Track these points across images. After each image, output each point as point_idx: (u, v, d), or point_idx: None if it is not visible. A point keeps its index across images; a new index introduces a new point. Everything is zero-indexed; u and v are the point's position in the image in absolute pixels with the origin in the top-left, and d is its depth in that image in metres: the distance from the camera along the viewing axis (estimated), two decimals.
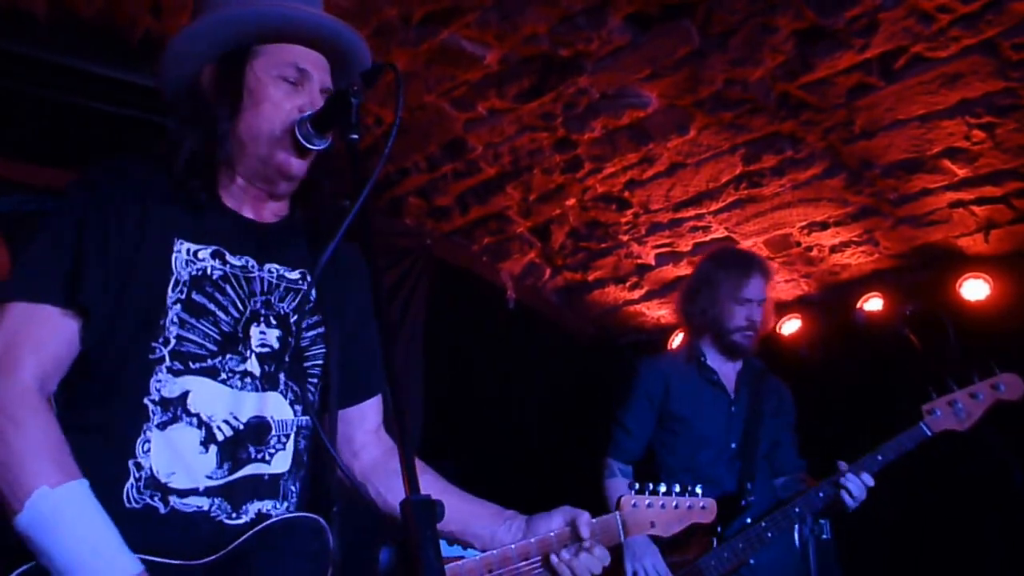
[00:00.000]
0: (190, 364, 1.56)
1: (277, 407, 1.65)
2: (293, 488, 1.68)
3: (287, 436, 1.66)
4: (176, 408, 1.54)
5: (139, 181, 1.63)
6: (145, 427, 1.52)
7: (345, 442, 1.88)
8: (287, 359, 1.67)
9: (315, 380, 1.74)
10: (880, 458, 3.00)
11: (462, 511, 1.81)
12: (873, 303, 4.54)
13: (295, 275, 1.73)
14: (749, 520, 3.10)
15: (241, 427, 1.59)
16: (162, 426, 1.53)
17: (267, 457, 1.62)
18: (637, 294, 5.33)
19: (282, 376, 1.66)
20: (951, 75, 3.46)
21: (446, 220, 4.85)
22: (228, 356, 1.60)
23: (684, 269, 4.96)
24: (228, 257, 1.65)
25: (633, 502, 1.96)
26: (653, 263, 5.04)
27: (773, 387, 3.45)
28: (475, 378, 4.95)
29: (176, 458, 1.53)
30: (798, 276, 4.87)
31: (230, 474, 1.57)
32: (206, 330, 1.58)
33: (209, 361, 1.58)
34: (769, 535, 3.03)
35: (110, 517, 1.43)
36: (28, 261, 1.55)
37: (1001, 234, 4.19)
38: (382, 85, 1.61)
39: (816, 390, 4.24)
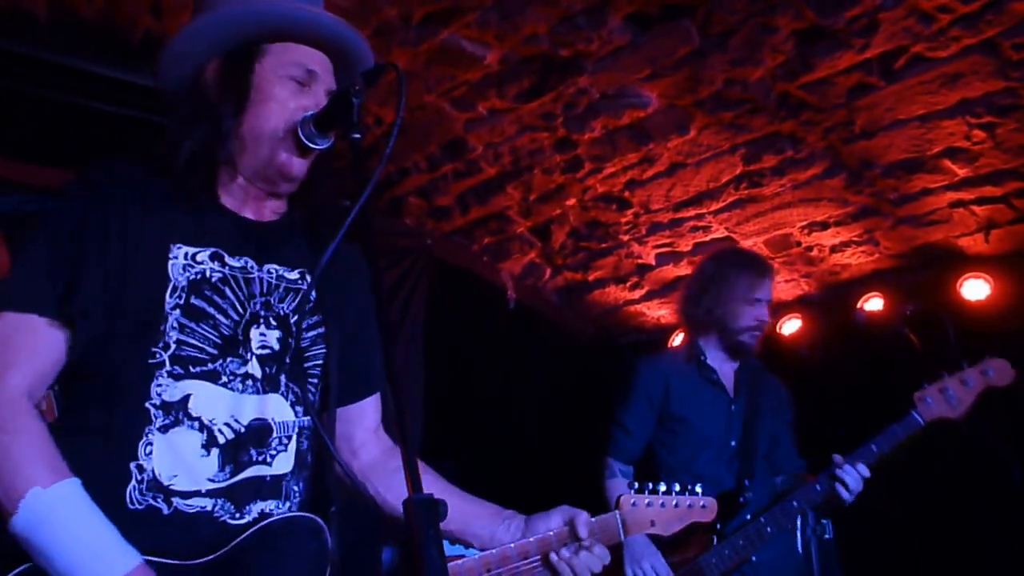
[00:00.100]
0: (190, 368, 1.56)
1: (278, 409, 1.64)
2: (296, 488, 1.67)
3: (288, 438, 1.66)
4: (177, 412, 1.54)
5: (133, 185, 1.62)
6: (147, 430, 1.52)
7: (344, 441, 1.88)
8: (287, 360, 1.66)
9: (315, 380, 1.73)
10: (875, 448, 2.99)
11: (461, 511, 1.81)
12: (873, 303, 4.54)
13: (294, 275, 1.73)
14: (748, 517, 3.09)
15: (242, 430, 1.59)
16: (163, 429, 1.53)
17: (268, 459, 1.62)
18: (637, 294, 5.33)
19: (283, 378, 1.66)
20: (951, 75, 3.46)
21: (446, 220, 4.85)
22: (229, 359, 1.59)
23: (684, 269, 4.96)
24: (227, 259, 1.65)
25: (633, 501, 1.96)
26: (653, 263, 5.04)
27: (771, 385, 3.45)
28: (475, 378, 4.95)
29: (178, 461, 1.53)
30: (798, 276, 4.87)
31: (232, 477, 1.57)
32: (206, 334, 1.58)
33: (210, 365, 1.58)
34: (768, 530, 3.02)
35: (113, 519, 1.44)
36: (17, 270, 1.55)
37: (1001, 234, 4.20)
38: (382, 85, 1.61)
39: (816, 390, 4.24)
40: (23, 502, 1.38)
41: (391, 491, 1.83)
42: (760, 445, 3.29)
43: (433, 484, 1.82)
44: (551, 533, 1.78)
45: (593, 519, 1.82)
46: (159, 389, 1.54)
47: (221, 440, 1.56)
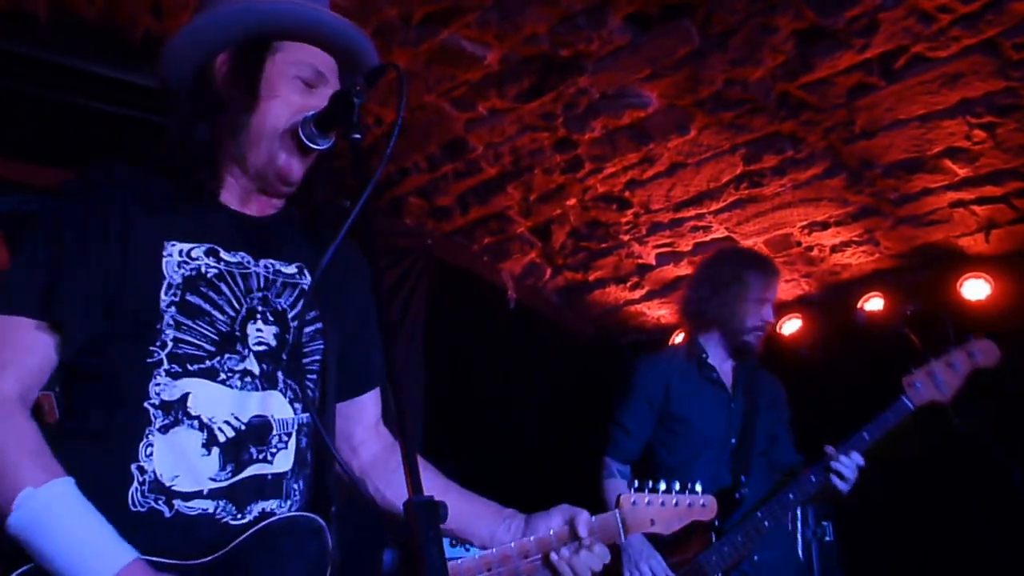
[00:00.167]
0: (188, 366, 1.55)
1: (277, 406, 1.64)
2: (297, 487, 1.67)
3: (288, 435, 1.65)
4: (177, 411, 1.54)
5: (132, 185, 1.61)
6: (147, 431, 1.52)
7: (344, 438, 1.87)
8: (285, 356, 1.65)
9: (314, 376, 1.72)
10: (866, 436, 2.99)
11: (461, 509, 1.80)
12: (873, 303, 4.54)
13: (292, 269, 1.72)
14: (745, 512, 3.09)
15: (242, 427, 1.58)
16: (164, 430, 1.52)
17: (269, 457, 1.61)
18: (638, 294, 5.33)
19: (280, 374, 1.65)
20: (951, 75, 3.46)
21: (446, 220, 4.85)
22: (226, 356, 1.59)
23: (685, 269, 4.96)
24: (223, 254, 1.64)
25: (633, 500, 1.94)
26: (654, 263, 5.04)
27: (768, 383, 3.45)
28: (475, 378, 4.95)
29: (179, 461, 1.52)
30: (798, 276, 4.87)
31: (234, 476, 1.56)
32: (203, 331, 1.57)
33: (207, 362, 1.57)
34: (766, 524, 3.02)
35: (115, 521, 1.43)
36: (12, 271, 1.56)
37: (1002, 234, 4.19)
38: (383, 85, 1.61)
39: (816, 390, 4.24)
40: (16, 502, 1.38)
41: (391, 489, 1.83)
42: (758, 442, 3.28)
43: (433, 482, 1.82)
44: (551, 532, 1.78)
45: (593, 518, 1.81)
46: (158, 388, 1.53)
47: (221, 439, 1.56)
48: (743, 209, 4.48)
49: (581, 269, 5.21)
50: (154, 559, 1.45)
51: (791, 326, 4.88)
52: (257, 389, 1.61)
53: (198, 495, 1.52)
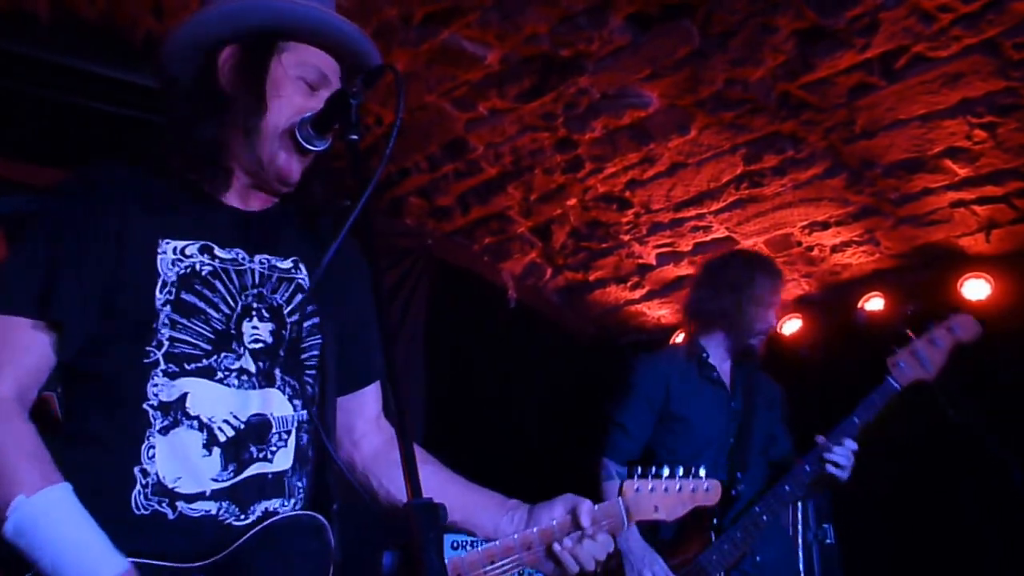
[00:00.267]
0: (185, 365, 1.55)
1: (276, 403, 1.63)
2: (299, 484, 1.66)
3: (288, 432, 1.64)
4: (176, 412, 1.53)
5: (125, 185, 1.60)
6: (148, 433, 1.51)
7: (345, 432, 1.86)
8: (282, 353, 1.64)
9: (312, 372, 1.71)
10: (856, 420, 3.01)
11: (465, 500, 1.80)
12: (874, 303, 4.54)
13: (287, 264, 1.71)
14: (743, 508, 3.09)
15: (242, 426, 1.57)
16: (164, 431, 1.52)
17: (269, 456, 1.61)
18: (638, 294, 5.33)
19: (278, 371, 1.64)
20: (952, 75, 3.46)
21: (447, 220, 4.85)
22: (223, 354, 1.58)
23: (685, 269, 4.96)
24: (217, 251, 1.63)
25: (636, 487, 1.92)
26: (654, 263, 5.04)
27: (764, 382, 3.45)
28: (476, 378, 4.95)
29: (181, 463, 1.52)
30: (799, 276, 4.87)
31: (235, 475, 1.56)
32: (198, 329, 1.56)
33: (204, 361, 1.56)
34: (764, 518, 3.02)
35: (118, 524, 1.43)
36: (6, 272, 1.55)
37: (1002, 234, 4.19)
38: (383, 85, 1.60)
39: (816, 390, 4.24)
40: (9, 510, 1.38)
41: (394, 483, 1.82)
42: (755, 441, 3.28)
43: (436, 475, 1.82)
44: (554, 523, 1.76)
45: (596, 507, 1.80)
46: (156, 389, 1.53)
47: (221, 438, 1.55)
48: (743, 209, 4.48)
49: (581, 269, 5.21)
50: (154, 563, 1.44)
51: (791, 326, 4.88)
52: (255, 387, 1.60)
53: (201, 496, 1.52)
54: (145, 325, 1.53)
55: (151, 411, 1.52)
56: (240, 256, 1.66)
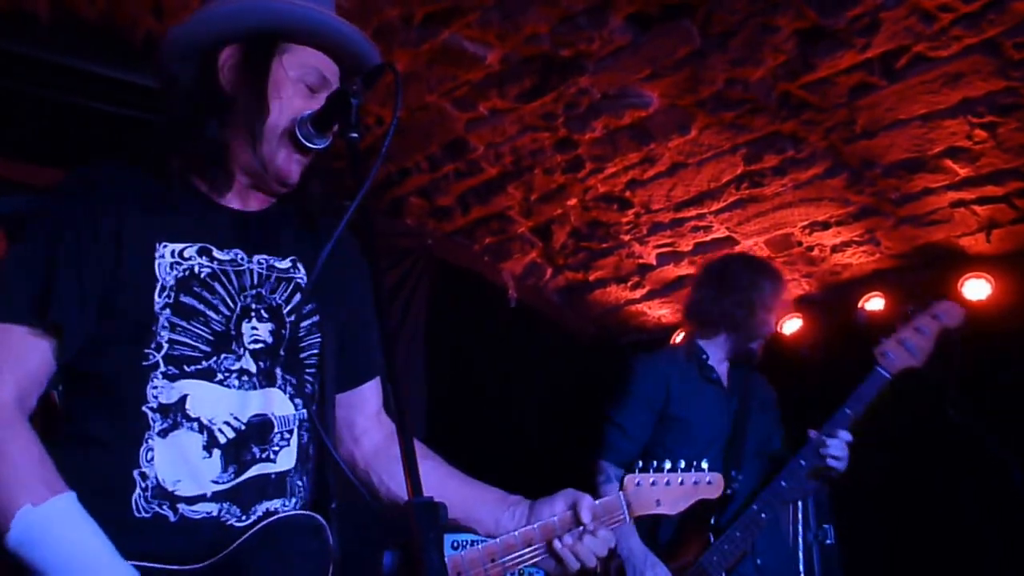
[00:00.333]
0: (185, 367, 1.54)
1: (278, 403, 1.62)
2: (300, 484, 1.66)
3: (290, 432, 1.64)
4: (175, 414, 1.52)
5: (116, 187, 1.59)
6: (146, 436, 1.50)
7: (346, 428, 1.86)
8: (282, 352, 1.64)
9: (312, 370, 1.71)
10: (848, 412, 3.01)
11: (465, 496, 1.80)
12: (874, 303, 4.53)
13: (285, 263, 1.71)
14: (740, 507, 3.08)
15: (243, 427, 1.57)
16: (163, 433, 1.51)
17: (272, 456, 1.60)
18: (638, 294, 5.33)
19: (279, 371, 1.63)
20: (953, 74, 3.45)
21: (447, 220, 4.85)
22: (223, 356, 1.57)
23: (685, 269, 4.96)
24: (215, 252, 1.62)
25: (637, 481, 1.90)
26: (654, 263, 5.04)
27: (759, 384, 3.44)
28: (476, 378, 4.95)
29: (181, 465, 1.51)
30: (799, 276, 4.87)
31: (236, 477, 1.55)
32: (198, 331, 1.56)
33: (204, 363, 1.56)
34: (763, 516, 3.01)
35: (119, 527, 1.43)
36: (3, 275, 1.54)
37: (1003, 234, 4.19)
38: (382, 86, 1.60)
39: (817, 390, 4.23)
40: (14, 521, 1.36)
41: (394, 479, 1.82)
42: (749, 440, 3.27)
43: (436, 470, 1.82)
44: (554, 519, 1.76)
45: (597, 502, 1.79)
46: (155, 392, 1.52)
47: (222, 440, 1.55)
48: (744, 209, 4.48)
49: (582, 269, 5.21)
50: (155, 566, 1.44)
51: (791, 326, 4.87)
52: (255, 388, 1.60)
53: (201, 498, 1.51)
54: (144, 327, 1.53)
55: (150, 413, 1.52)
56: (239, 257, 1.65)
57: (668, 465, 1.95)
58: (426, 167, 4.41)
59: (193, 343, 1.55)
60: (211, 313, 1.58)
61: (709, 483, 2.01)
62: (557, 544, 1.74)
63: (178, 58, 1.68)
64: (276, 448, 1.61)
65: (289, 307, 1.67)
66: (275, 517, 1.57)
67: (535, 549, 1.74)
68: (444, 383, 4.68)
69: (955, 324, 3.10)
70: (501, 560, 1.73)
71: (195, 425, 1.53)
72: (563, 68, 3.67)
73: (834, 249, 4.61)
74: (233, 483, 1.55)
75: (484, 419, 4.81)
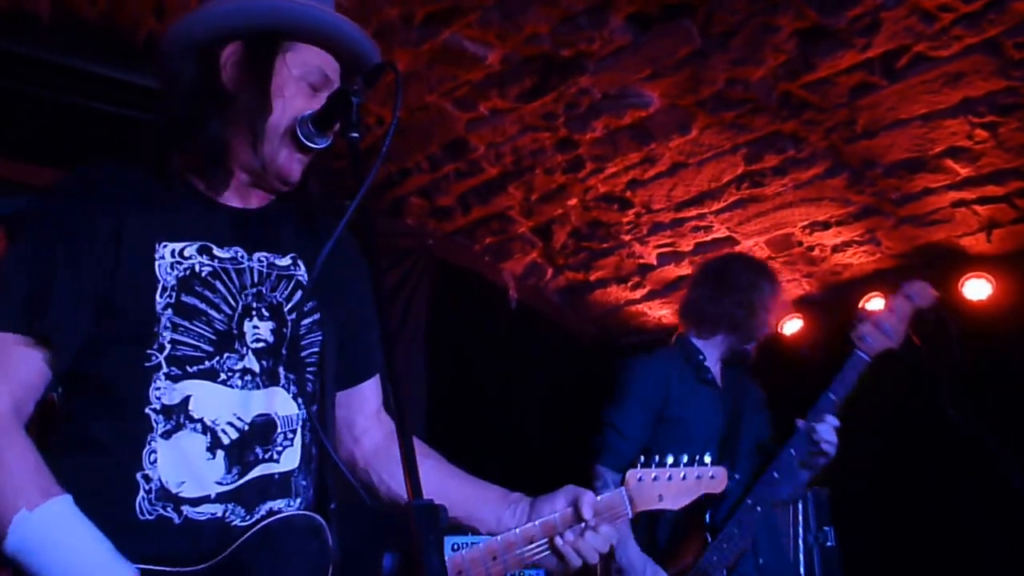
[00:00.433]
0: (187, 368, 1.53)
1: (281, 402, 1.61)
2: (304, 483, 1.65)
3: (293, 431, 1.63)
4: (178, 415, 1.51)
5: (115, 186, 1.58)
6: (149, 438, 1.49)
7: (346, 427, 1.85)
8: (284, 351, 1.63)
9: (313, 368, 1.70)
10: (832, 397, 3.02)
11: (466, 495, 1.79)
12: (875, 303, 4.52)
13: (286, 261, 1.70)
14: (735, 503, 3.08)
15: (246, 428, 1.56)
16: (166, 435, 1.50)
17: (275, 456, 1.59)
18: (639, 294, 5.33)
19: (281, 370, 1.62)
20: (953, 74, 3.45)
21: (448, 220, 4.85)
22: (225, 355, 1.56)
23: (686, 269, 4.95)
24: (216, 251, 1.61)
25: (639, 476, 1.88)
26: (655, 263, 5.04)
27: (751, 385, 3.44)
28: (476, 378, 4.95)
29: (184, 467, 1.50)
30: (800, 276, 4.87)
31: (240, 477, 1.54)
32: (200, 331, 1.55)
33: (207, 363, 1.54)
34: (759, 509, 3.00)
35: (123, 529, 1.42)
36: None
37: (1003, 234, 4.19)
38: (383, 86, 1.60)
39: (817, 390, 4.23)
40: (11, 527, 1.35)
41: (395, 479, 1.81)
42: (743, 438, 3.26)
43: (436, 469, 1.82)
44: (556, 516, 1.75)
45: (598, 498, 1.78)
46: (158, 393, 1.51)
47: (225, 440, 1.53)
48: (744, 209, 4.48)
49: (582, 269, 5.21)
50: (159, 568, 1.43)
51: (792, 326, 4.87)
52: (259, 387, 1.59)
53: (206, 500, 1.50)
54: (146, 328, 1.51)
55: (153, 415, 1.50)
56: (239, 255, 1.64)
57: (670, 460, 1.93)
58: (426, 167, 4.41)
59: (196, 343, 1.54)
60: (213, 312, 1.57)
61: (712, 477, 1.98)
62: (559, 541, 1.73)
63: (178, 56, 1.67)
64: (280, 448, 1.60)
65: (290, 305, 1.66)
66: (275, 517, 1.55)
67: (537, 546, 1.73)
68: (444, 383, 4.68)
69: (927, 304, 3.11)
70: (503, 558, 1.71)
71: (198, 426, 1.52)
72: (563, 68, 3.67)
73: (835, 249, 4.61)
74: (237, 484, 1.53)
75: (484, 419, 4.81)
